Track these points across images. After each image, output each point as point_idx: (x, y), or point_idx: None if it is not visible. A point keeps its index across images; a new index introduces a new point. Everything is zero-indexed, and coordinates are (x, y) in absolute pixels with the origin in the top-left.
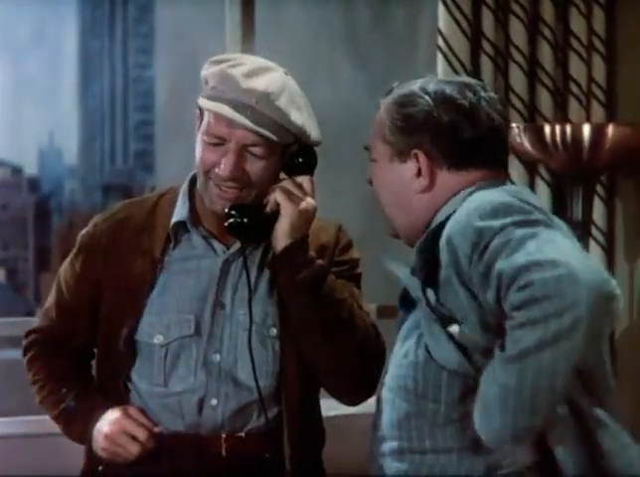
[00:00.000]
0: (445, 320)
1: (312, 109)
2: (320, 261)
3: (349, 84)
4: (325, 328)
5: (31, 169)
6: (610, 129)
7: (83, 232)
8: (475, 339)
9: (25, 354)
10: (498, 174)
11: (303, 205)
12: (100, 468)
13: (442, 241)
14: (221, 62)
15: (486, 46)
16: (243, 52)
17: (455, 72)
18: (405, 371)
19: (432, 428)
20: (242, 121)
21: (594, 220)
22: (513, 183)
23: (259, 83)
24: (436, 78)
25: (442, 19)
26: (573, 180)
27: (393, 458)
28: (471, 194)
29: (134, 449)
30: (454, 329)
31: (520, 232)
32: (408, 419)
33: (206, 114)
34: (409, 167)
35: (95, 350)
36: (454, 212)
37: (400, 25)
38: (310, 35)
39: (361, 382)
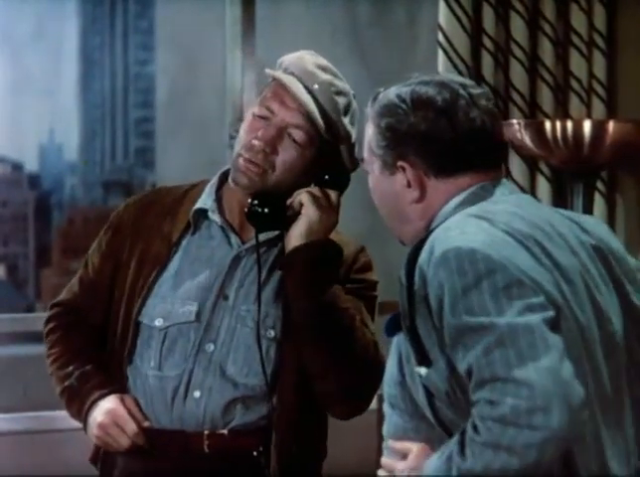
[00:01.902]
0: (421, 355)
1: None
2: (329, 269)
3: (350, 81)
4: (322, 334)
5: (31, 165)
6: (611, 125)
7: (116, 211)
8: (439, 386)
9: (46, 324)
10: (489, 176)
11: (325, 214)
12: (102, 450)
13: (416, 276)
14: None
15: (487, 42)
16: (244, 48)
17: (456, 67)
18: (395, 390)
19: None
20: (299, 92)
21: (595, 215)
22: (514, 180)
23: (327, 76)
24: (416, 79)
25: (443, 15)
26: (574, 176)
27: None
28: (456, 211)
29: (124, 442)
30: (422, 371)
31: (485, 300)
32: (407, 435)
33: (265, 90)
34: (399, 179)
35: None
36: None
37: (401, 21)
38: (311, 31)
39: (352, 396)
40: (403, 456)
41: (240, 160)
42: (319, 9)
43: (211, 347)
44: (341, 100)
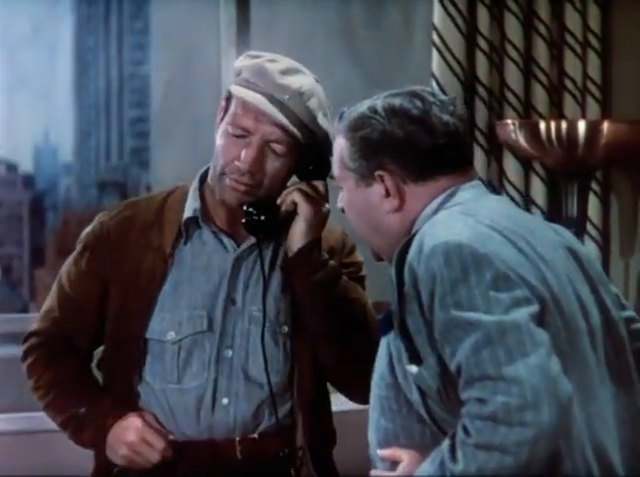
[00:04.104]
0: (411, 353)
1: None
2: (333, 262)
3: (345, 82)
4: (339, 328)
5: (26, 166)
6: (605, 126)
7: (88, 230)
8: (430, 384)
9: (25, 358)
10: (464, 176)
11: (318, 207)
12: (115, 470)
13: (405, 273)
14: (257, 57)
15: (481, 42)
16: (239, 50)
17: (450, 68)
18: (386, 392)
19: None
20: (274, 114)
21: (589, 216)
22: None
23: (293, 82)
24: (383, 94)
25: (437, 15)
26: (569, 176)
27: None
28: (436, 212)
29: (154, 458)
30: (413, 369)
31: (472, 298)
32: (397, 440)
33: (233, 105)
34: (376, 189)
35: (100, 350)
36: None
37: (396, 21)
38: (305, 32)
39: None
40: (393, 465)
41: (227, 180)
42: (313, 10)
43: (229, 353)
44: (313, 104)
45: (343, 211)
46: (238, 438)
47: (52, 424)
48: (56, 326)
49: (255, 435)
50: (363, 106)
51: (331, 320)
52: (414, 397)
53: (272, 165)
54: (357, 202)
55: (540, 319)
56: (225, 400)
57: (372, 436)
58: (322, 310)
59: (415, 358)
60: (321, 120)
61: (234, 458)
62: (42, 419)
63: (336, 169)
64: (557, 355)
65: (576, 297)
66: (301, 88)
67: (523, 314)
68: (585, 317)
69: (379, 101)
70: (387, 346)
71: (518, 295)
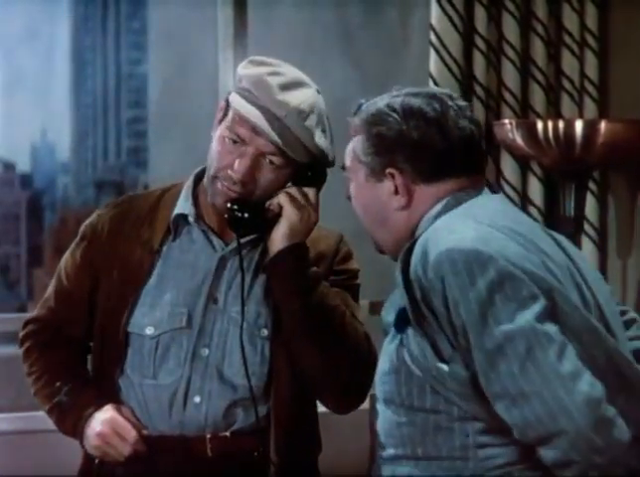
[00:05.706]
0: (439, 350)
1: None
2: (314, 268)
3: (342, 82)
4: (315, 335)
5: (23, 165)
6: (602, 125)
7: (87, 221)
8: (464, 376)
9: (22, 344)
10: (474, 181)
11: (305, 213)
12: (97, 461)
13: (412, 279)
14: (260, 64)
15: (479, 42)
16: (236, 50)
17: (448, 67)
18: (389, 386)
19: (423, 437)
20: (268, 132)
21: (587, 216)
22: (506, 180)
23: (293, 98)
24: (403, 90)
25: (435, 15)
26: (566, 176)
27: (390, 463)
28: (439, 215)
29: (125, 450)
30: (444, 367)
31: (501, 314)
32: (400, 429)
33: (231, 112)
34: (386, 186)
35: (92, 342)
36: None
37: (393, 21)
38: (303, 32)
39: (349, 390)
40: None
41: (219, 185)
42: (311, 10)
43: (205, 351)
44: (311, 122)
45: (350, 198)
46: (208, 436)
47: (49, 424)
48: (51, 315)
49: (227, 434)
50: (381, 102)
51: (306, 325)
52: (464, 391)
53: (266, 177)
54: (365, 195)
55: (551, 313)
56: (197, 399)
57: (379, 425)
58: (298, 314)
59: (443, 355)
60: (318, 139)
61: (204, 455)
62: (40, 419)
63: (348, 160)
64: (576, 341)
65: (579, 292)
66: (300, 106)
67: (529, 318)
68: (586, 307)
69: (398, 99)
70: (391, 342)
71: (524, 295)
